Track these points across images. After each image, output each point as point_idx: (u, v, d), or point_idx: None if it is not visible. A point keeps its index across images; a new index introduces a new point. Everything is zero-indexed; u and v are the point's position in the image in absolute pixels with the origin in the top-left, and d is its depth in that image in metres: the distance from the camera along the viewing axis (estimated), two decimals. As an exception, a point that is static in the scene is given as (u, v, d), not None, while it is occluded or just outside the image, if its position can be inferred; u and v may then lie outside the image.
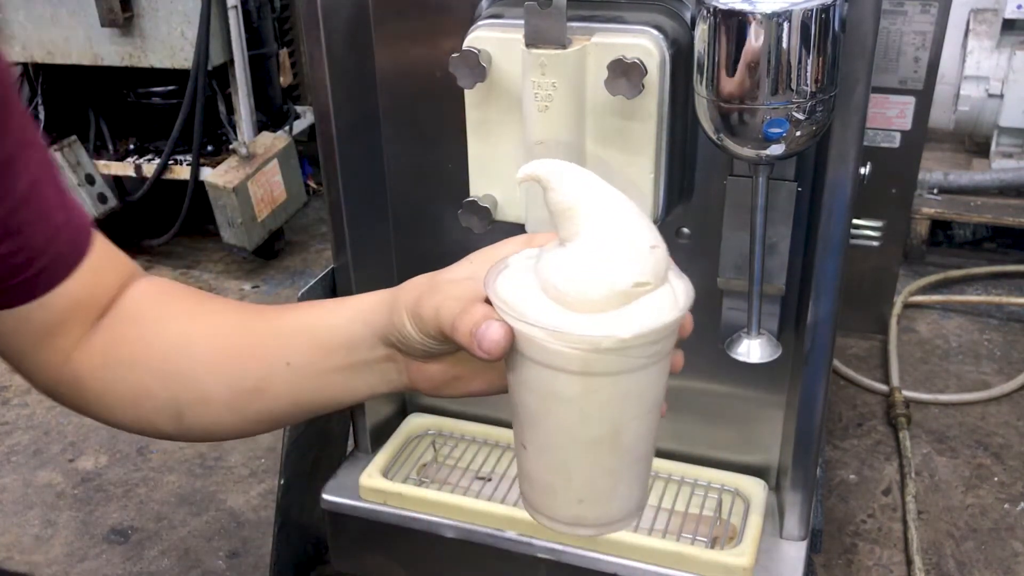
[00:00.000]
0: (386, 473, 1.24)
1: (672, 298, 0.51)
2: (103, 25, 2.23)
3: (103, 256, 0.66)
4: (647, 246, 0.51)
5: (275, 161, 2.47)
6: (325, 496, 1.26)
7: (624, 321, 0.49)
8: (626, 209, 0.52)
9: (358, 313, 0.63)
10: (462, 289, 0.56)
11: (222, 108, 2.41)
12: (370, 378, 0.64)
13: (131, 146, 2.56)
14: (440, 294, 0.57)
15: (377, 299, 0.62)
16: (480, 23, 0.95)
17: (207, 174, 2.38)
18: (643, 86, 0.87)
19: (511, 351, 0.53)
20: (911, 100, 1.74)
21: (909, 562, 1.49)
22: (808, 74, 0.82)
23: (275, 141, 2.49)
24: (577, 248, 0.51)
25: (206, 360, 0.65)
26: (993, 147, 2.42)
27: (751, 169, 0.91)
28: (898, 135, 1.78)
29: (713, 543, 1.13)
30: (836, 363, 1.95)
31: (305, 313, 0.67)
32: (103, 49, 2.30)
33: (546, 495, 0.56)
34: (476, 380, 0.62)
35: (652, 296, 0.50)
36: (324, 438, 1.37)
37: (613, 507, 0.56)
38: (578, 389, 0.51)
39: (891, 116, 1.76)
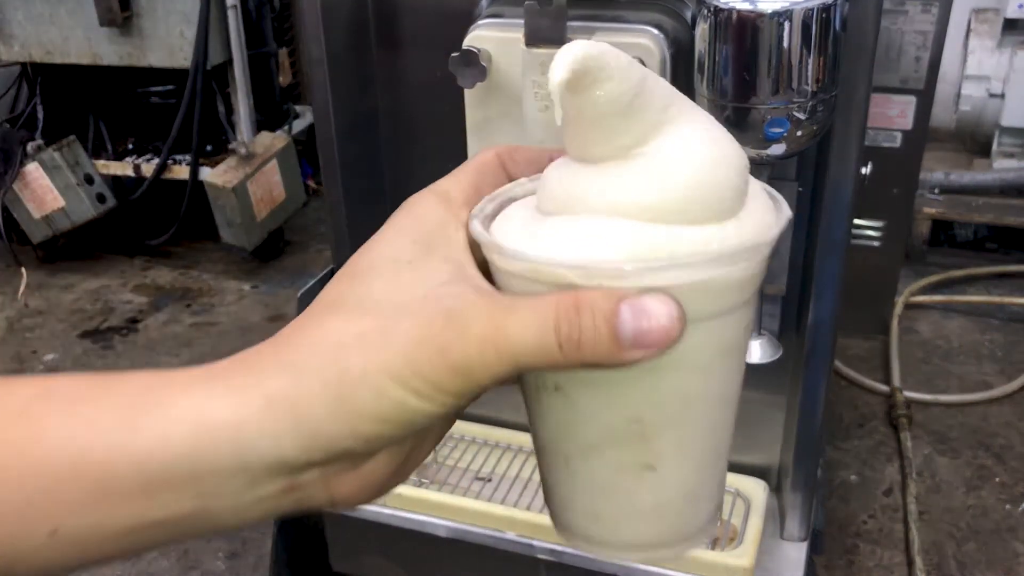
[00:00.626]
0: (385, 474, 1.23)
1: (767, 201, 0.38)
2: (102, 24, 2.23)
3: None
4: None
5: (274, 161, 2.47)
6: (324, 497, 1.25)
7: (761, 208, 0.36)
8: (693, 105, 0.37)
9: (207, 438, 0.31)
10: (478, 285, 0.33)
11: (221, 108, 2.41)
12: (243, 517, 0.33)
13: (130, 146, 2.56)
14: (468, 312, 0.32)
15: (252, 402, 0.31)
16: (480, 22, 0.94)
17: (206, 174, 2.38)
18: (643, 85, 0.86)
19: None
20: (912, 100, 1.73)
21: (910, 563, 1.48)
22: (809, 74, 0.81)
23: (274, 141, 2.49)
24: (677, 140, 0.34)
25: None
26: (994, 147, 2.42)
27: (752, 169, 0.91)
28: (899, 135, 1.78)
29: (714, 544, 1.13)
30: (837, 363, 1.95)
31: (75, 428, 0.31)
32: (102, 48, 2.30)
33: (688, 510, 0.38)
34: (429, 441, 0.37)
35: (753, 201, 0.36)
36: (323, 439, 1.36)
37: (723, 492, 0.41)
38: (746, 321, 0.36)
39: (892, 116, 1.76)
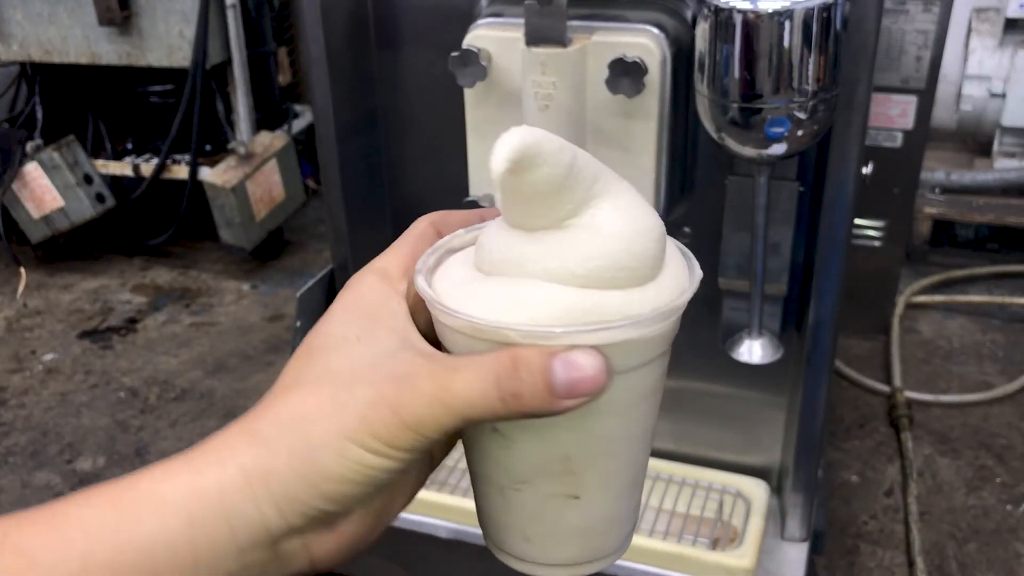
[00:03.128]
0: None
1: (674, 246, 0.42)
2: (101, 24, 2.23)
3: None
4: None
5: (274, 160, 2.46)
6: (324, 498, 1.25)
7: (677, 273, 0.40)
8: (617, 177, 0.41)
9: (198, 509, 0.33)
10: (423, 350, 0.37)
11: (220, 107, 2.40)
12: None
13: (129, 145, 2.56)
14: (416, 374, 0.35)
15: (231, 475, 0.34)
16: (480, 22, 0.94)
17: (205, 173, 2.38)
18: (644, 85, 0.86)
19: None
20: (913, 99, 1.73)
21: (911, 563, 1.48)
22: (810, 73, 0.81)
23: (274, 140, 2.49)
24: (601, 215, 0.38)
25: None
26: (995, 147, 2.41)
27: (752, 169, 0.90)
28: (900, 134, 1.77)
29: (714, 544, 1.13)
30: (838, 364, 1.94)
31: (72, 540, 0.33)
32: (101, 48, 2.30)
33: (610, 533, 0.44)
34: (402, 495, 0.41)
35: (670, 266, 0.41)
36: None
37: (637, 515, 0.46)
38: (660, 370, 0.40)
39: (893, 115, 1.75)
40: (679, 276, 0.40)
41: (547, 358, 0.34)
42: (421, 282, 0.38)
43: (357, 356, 0.36)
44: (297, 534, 0.35)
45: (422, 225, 0.43)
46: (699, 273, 0.40)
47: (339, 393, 0.35)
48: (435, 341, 0.39)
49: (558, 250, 0.37)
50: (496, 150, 0.36)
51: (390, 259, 0.41)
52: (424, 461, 0.42)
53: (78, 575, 0.32)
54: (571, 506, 0.41)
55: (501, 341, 0.35)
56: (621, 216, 0.38)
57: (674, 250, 0.42)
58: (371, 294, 0.39)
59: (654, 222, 0.39)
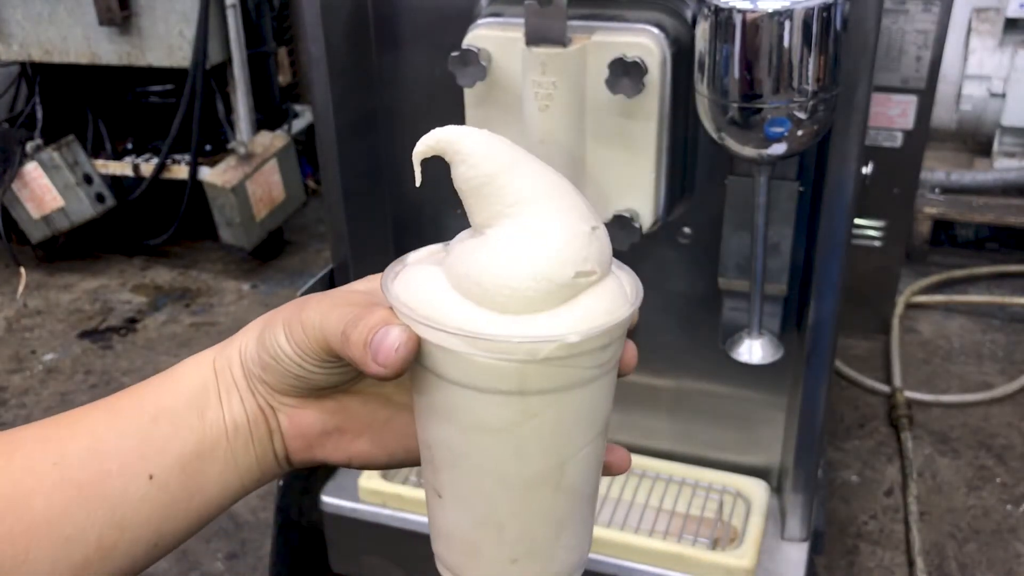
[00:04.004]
0: (385, 475, 1.23)
1: (620, 289, 0.41)
2: (101, 24, 2.23)
3: None
4: (587, 227, 0.40)
5: (274, 160, 2.46)
6: (324, 498, 1.25)
7: (568, 320, 0.39)
8: (557, 183, 0.42)
9: (216, 361, 0.48)
10: (358, 297, 0.45)
11: (220, 107, 2.40)
12: (246, 459, 0.47)
13: (129, 145, 2.56)
14: (328, 300, 0.44)
15: (232, 349, 0.48)
16: (480, 22, 0.94)
17: (205, 173, 2.38)
18: (644, 85, 0.86)
19: (420, 371, 0.42)
20: (913, 99, 1.73)
21: (911, 563, 1.48)
22: (810, 73, 0.81)
23: (274, 140, 2.48)
24: (501, 233, 0.40)
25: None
26: (995, 147, 2.41)
27: (752, 169, 0.90)
28: (900, 134, 1.77)
29: (714, 544, 1.13)
30: (838, 364, 1.94)
31: (143, 390, 0.48)
32: (101, 48, 2.30)
33: (468, 556, 0.44)
34: (361, 438, 0.47)
35: (597, 288, 0.40)
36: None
37: (555, 563, 0.44)
38: (512, 414, 0.40)
39: (893, 115, 1.75)
40: (576, 321, 0.39)
41: (380, 322, 0.41)
42: (388, 276, 0.44)
43: (355, 284, 0.48)
44: (272, 398, 0.46)
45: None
46: (574, 339, 0.39)
47: (300, 303, 0.46)
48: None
49: (464, 248, 0.42)
50: (424, 136, 0.42)
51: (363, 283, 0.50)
52: (378, 423, 0.48)
53: (154, 419, 0.46)
54: (437, 503, 0.45)
55: (387, 306, 0.42)
56: (509, 245, 0.40)
57: (612, 289, 0.41)
58: (349, 288, 0.49)
59: (548, 260, 0.39)
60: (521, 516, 0.43)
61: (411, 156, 0.44)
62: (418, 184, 0.43)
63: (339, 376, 0.45)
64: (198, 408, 0.46)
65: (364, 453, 0.48)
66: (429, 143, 0.41)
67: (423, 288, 0.41)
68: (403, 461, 0.48)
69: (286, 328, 0.44)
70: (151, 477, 0.44)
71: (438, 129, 0.41)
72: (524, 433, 0.41)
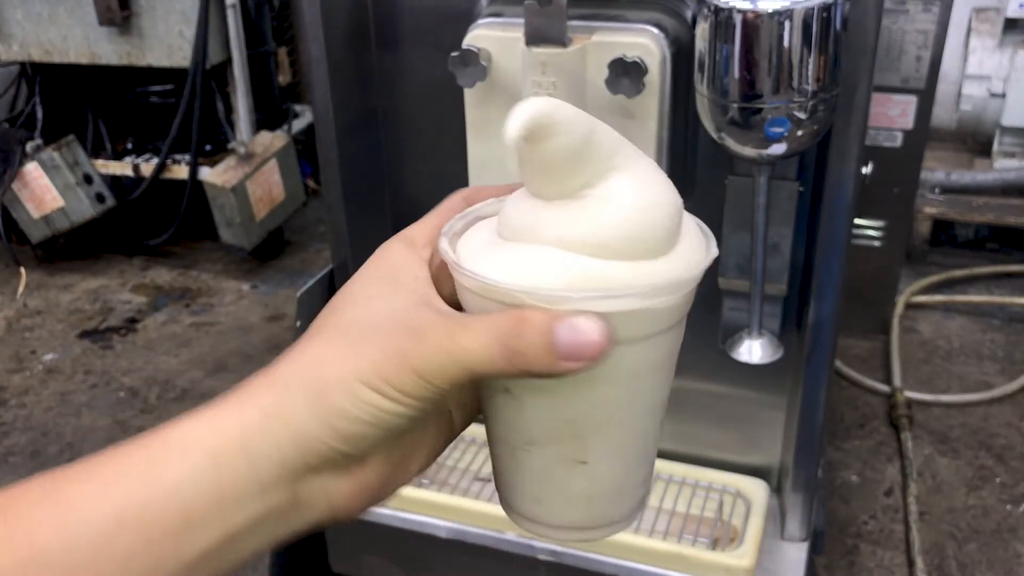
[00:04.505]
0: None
1: (689, 218, 0.43)
2: (101, 24, 2.23)
3: None
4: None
5: (274, 160, 2.47)
6: (324, 497, 1.25)
7: (693, 246, 0.40)
8: (637, 151, 0.42)
9: (221, 447, 0.35)
10: (439, 307, 0.38)
11: (220, 107, 2.40)
12: (259, 538, 0.37)
13: (129, 145, 2.56)
14: (402, 330, 0.37)
15: (251, 415, 0.36)
16: (480, 22, 0.94)
17: (205, 173, 2.38)
18: (644, 85, 0.86)
19: None
20: (913, 99, 1.73)
21: (911, 563, 1.48)
22: (810, 73, 0.81)
23: (274, 140, 2.49)
24: (619, 186, 0.39)
25: None
26: (995, 147, 2.41)
27: (752, 169, 0.90)
28: (900, 134, 1.77)
29: (714, 544, 1.13)
30: (838, 363, 1.94)
31: (105, 490, 0.34)
32: (101, 48, 2.30)
33: (615, 500, 0.45)
34: (419, 451, 0.42)
35: (685, 240, 0.41)
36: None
37: (652, 473, 0.48)
38: (675, 343, 0.41)
39: (893, 115, 1.75)
40: (694, 251, 0.40)
41: (551, 320, 0.35)
42: (444, 244, 0.40)
43: (375, 310, 0.38)
44: (315, 475, 0.37)
45: (456, 198, 0.44)
46: (715, 251, 0.40)
47: (355, 340, 0.37)
48: (458, 308, 0.40)
49: (572, 218, 0.38)
50: (511, 118, 0.37)
51: (418, 229, 0.43)
52: (442, 424, 0.43)
53: (114, 519, 0.33)
54: (578, 471, 0.42)
55: (512, 303, 0.37)
56: (636, 188, 0.39)
57: (692, 226, 0.42)
58: (395, 259, 0.41)
59: (669, 196, 0.40)
60: (654, 440, 0.45)
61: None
62: (519, 172, 0.39)
63: (429, 409, 0.38)
64: (216, 512, 0.35)
65: (421, 466, 0.42)
66: (526, 124, 0.37)
67: (562, 264, 0.38)
68: (459, 432, 0.44)
69: (376, 385, 0.35)
70: None
71: (526, 108, 0.37)
72: (673, 358, 0.42)
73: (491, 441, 0.44)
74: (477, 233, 0.42)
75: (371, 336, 0.37)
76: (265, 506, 0.36)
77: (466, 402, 0.43)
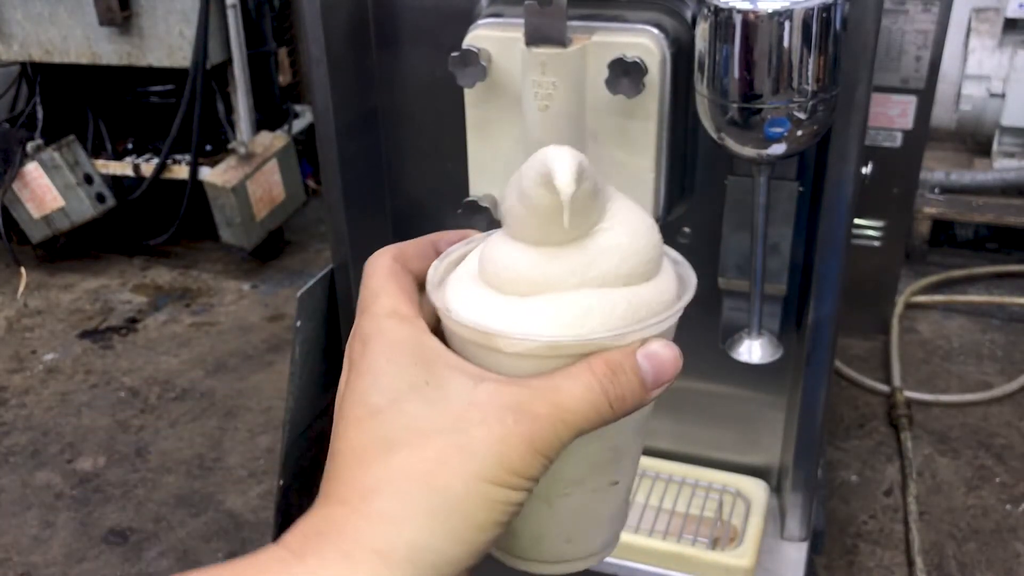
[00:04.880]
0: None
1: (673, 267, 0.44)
2: (101, 24, 2.23)
3: None
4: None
5: (274, 160, 2.47)
6: (324, 497, 1.25)
7: (673, 275, 0.42)
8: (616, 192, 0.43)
9: None
10: (499, 378, 0.36)
11: (221, 107, 2.40)
12: None
13: (129, 145, 2.56)
14: (527, 402, 0.34)
15: (365, 563, 0.31)
16: (480, 22, 0.94)
17: (206, 173, 2.38)
18: (644, 85, 0.86)
19: None
20: (913, 99, 1.73)
21: (911, 563, 1.48)
22: (809, 73, 0.81)
23: (274, 140, 2.49)
24: (619, 224, 0.40)
25: None
26: (995, 147, 2.42)
27: (752, 169, 0.90)
28: (900, 134, 1.77)
29: (714, 544, 1.13)
30: (837, 363, 1.95)
31: None
32: (101, 48, 2.30)
33: (624, 512, 0.46)
34: None
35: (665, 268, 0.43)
36: (323, 438, 1.36)
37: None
38: None
39: (893, 115, 1.75)
40: (667, 267, 0.43)
41: (633, 356, 0.36)
42: (470, 317, 0.38)
43: (440, 401, 0.34)
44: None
45: (386, 262, 0.40)
46: (692, 277, 0.42)
47: (457, 439, 0.33)
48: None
49: (595, 258, 0.39)
50: (558, 172, 0.36)
51: (387, 300, 0.38)
52: None
53: None
54: (611, 492, 0.43)
55: (585, 352, 0.37)
56: (634, 214, 0.41)
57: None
58: (402, 339, 0.36)
59: (651, 218, 0.42)
60: (636, 467, 0.46)
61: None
62: (526, 222, 0.39)
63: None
64: None
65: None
66: (577, 174, 0.37)
67: (608, 306, 0.38)
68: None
69: (505, 480, 0.33)
70: None
71: (562, 158, 0.37)
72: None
73: None
74: (469, 296, 0.40)
75: (473, 430, 0.33)
76: None
77: None
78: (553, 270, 0.38)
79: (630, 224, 0.40)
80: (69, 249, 2.61)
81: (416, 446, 0.33)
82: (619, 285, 0.39)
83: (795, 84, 0.81)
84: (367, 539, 0.31)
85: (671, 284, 0.41)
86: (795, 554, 1.13)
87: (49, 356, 2.18)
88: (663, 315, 0.39)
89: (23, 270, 2.49)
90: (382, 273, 0.39)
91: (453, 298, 0.40)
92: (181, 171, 2.42)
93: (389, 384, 0.35)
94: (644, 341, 0.37)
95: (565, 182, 0.36)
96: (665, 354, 0.37)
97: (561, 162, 0.37)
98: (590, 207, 0.39)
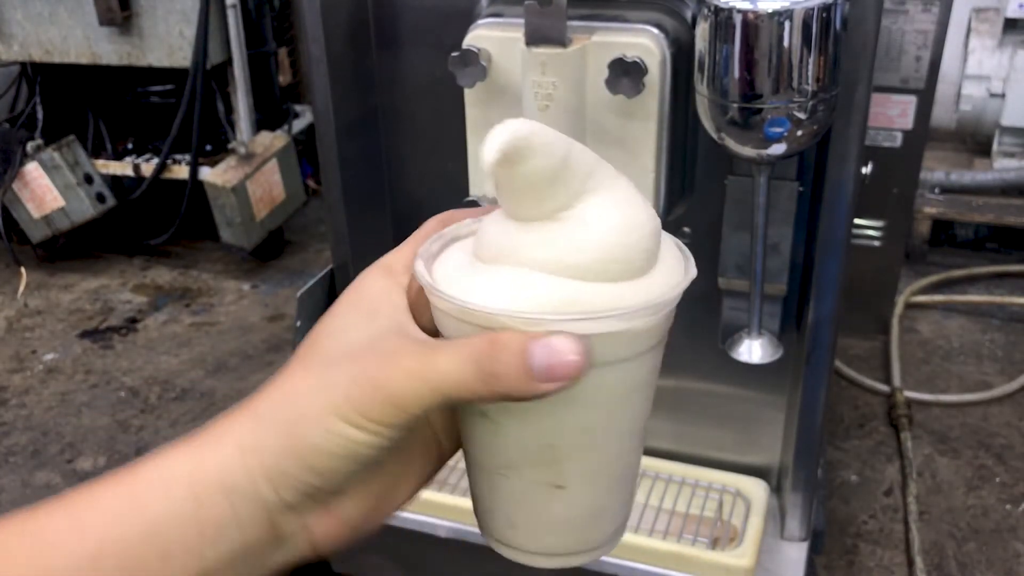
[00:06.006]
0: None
1: (669, 240, 0.42)
2: (101, 24, 2.23)
3: None
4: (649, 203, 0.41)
5: (274, 160, 2.47)
6: (324, 497, 1.25)
7: (670, 267, 0.40)
8: (615, 172, 0.41)
9: (201, 486, 0.35)
10: (413, 334, 0.38)
11: (221, 107, 2.40)
12: (237, 574, 0.37)
13: (129, 145, 2.56)
14: (376, 354, 0.36)
15: (229, 451, 0.36)
16: (480, 22, 0.94)
17: (206, 173, 2.38)
18: (644, 85, 0.86)
19: None
20: (913, 99, 1.73)
21: (911, 563, 1.48)
22: (809, 73, 0.81)
23: (274, 140, 2.49)
24: (594, 208, 0.39)
25: None
26: (995, 147, 2.42)
27: (752, 169, 0.90)
28: (900, 134, 1.77)
29: (714, 544, 1.13)
30: (837, 363, 1.95)
31: (84, 522, 0.35)
32: (101, 48, 2.30)
33: (590, 527, 0.43)
34: (405, 480, 0.42)
35: (664, 237, 0.41)
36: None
37: (633, 496, 0.46)
38: (654, 364, 0.40)
39: (893, 115, 1.75)
40: (673, 272, 0.40)
41: (526, 341, 0.35)
42: (419, 267, 0.39)
43: (351, 340, 0.38)
44: (293, 512, 0.36)
45: (432, 223, 0.43)
46: (694, 271, 0.40)
47: (327, 371, 0.36)
48: (436, 335, 0.40)
49: (550, 240, 0.38)
50: (488, 141, 0.37)
51: (396, 256, 0.42)
52: (428, 451, 0.43)
53: (94, 557, 0.34)
54: (556, 496, 0.41)
55: (490, 326, 0.36)
56: (613, 210, 0.39)
57: (671, 246, 0.42)
58: (373, 288, 0.40)
59: (647, 217, 0.40)
60: (635, 463, 0.44)
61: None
62: (496, 194, 0.39)
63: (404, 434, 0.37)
64: (162, 552, 0.35)
65: (406, 495, 0.42)
66: (503, 149, 0.37)
67: (539, 287, 0.37)
68: (448, 458, 0.44)
69: (348, 416, 0.35)
70: None
71: (501, 131, 0.37)
72: (653, 379, 0.41)
73: (468, 465, 0.44)
74: (453, 255, 0.41)
75: (343, 365, 0.36)
76: (243, 542, 0.35)
77: (453, 428, 0.42)
78: (507, 242, 0.39)
79: (601, 217, 0.38)
80: (69, 249, 2.61)
81: (303, 372, 0.37)
82: (569, 275, 0.37)
83: (795, 84, 0.81)
84: (235, 433, 0.36)
85: (644, 296, 0.38)
86: (795, 554, 1.13)
87: (49, 356, 2.18)
88: (579, 315, 0.36)
89: (23, 270, 2.49)
90: (419, 231, 0.43)
91: (443, 257, 0.41)
92: (181, 171, 2.42)
93: (330, 322, 0.39)
94: (552, 332, 0.35)
95: (485, 153, 0.37)
96: (563, 348, 0.34)
97: (493, 134, 0.37)
98: (541, 185, 0.38)
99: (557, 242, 0.38)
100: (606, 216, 0.38)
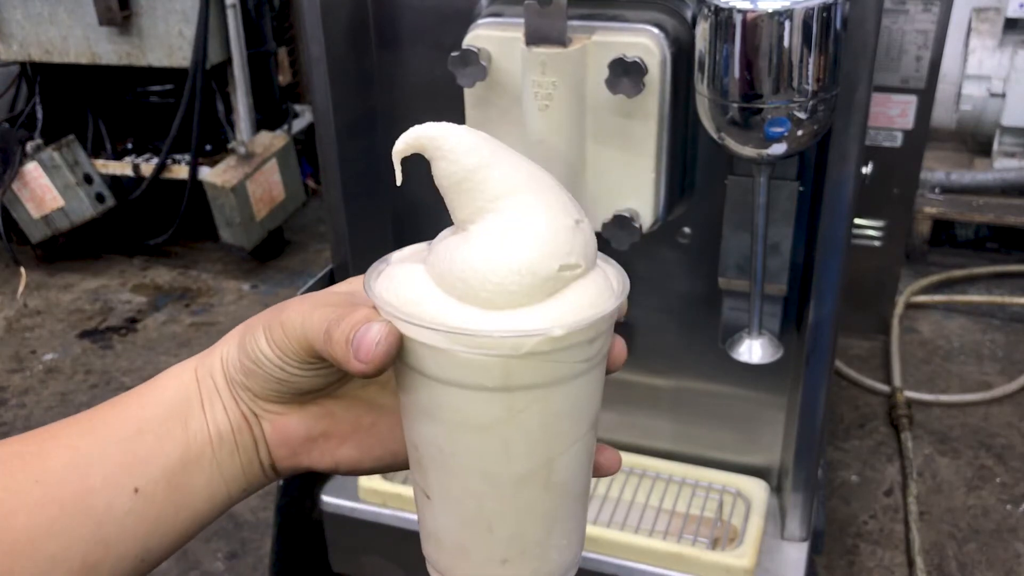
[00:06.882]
0: (385, 475, 1.23)
1: (606, 282, 0.41)
2: (101, 24, 2.23)
3: None
4: (571, 220, 0.40)
5: (274, 160, 2.46)
6: (324, 498, 1.25)
7: (553, 314, 0.38)
8: (539, 177, 0.41)
9: (198, 370, 0.47)
10: (338, 298, 0.45)
11: (220, 107, 2.40)
12: (232, 469, 0.46)
13: (129, 145, 2.56)
14: (309, 301, 0.44)
15: (215, 351, 0.47)
16: (480, 22, 0.94)
17: (205, 173, 2.38)
18: (644, 85, 0.86)
19: (404, 370, 0.41)
20: (913, 99, 1.73)
21: (911, 563, 1.48)
22: (810, 73, 0.81)
23: (274, 140, 2.49)
24: (484, 227, 0.40)
25: None
26: (995, 146, 2.41)
27: (752, 169, 0.90)
28: (900, 134, 1.77)
29: (714, 544, 1.13)
30: (838, 364, 1.95)
31: (124, 402, 0.46)
32: (101, 48, 2.30)
33: (458, 557, 0.44)
34: (347, 443, 0.47)
35: (582, 282, 0.40)
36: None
37: (547, 563, 0.44)
38: (498, 410, 0.39)
39: (893, 115, 1.75)
40: (563, 316, 0.39)
41: (359, 322, 0.40)
42: (372, 268, 0.44)
43: (337, 286, 0.48)
44: (255, 401, 0.45)
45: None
46: (558, 332, 0.38)
47: (278, 308, 0.45)
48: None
49: (448, 247, 0.41)
50: (402, 135, 0.41)
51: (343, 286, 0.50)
52: (364, 428, 0.47)
53: (139, 432, 0.44)
54: (426, 503, 0.45)
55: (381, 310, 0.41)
56: (498, 240, 0.39)
57: (599, 282, 0.41)
58: (336, 289, 0.49)
59: (538, 252, 0.39)
60: (510, 515, 0.42)
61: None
62: (399, 183, 0.43)
63: (322, 379, 0.45)
64: (181, 418, 0.45)
65: (350, 458, 0.47)
66: (408, 141, 0.41)
67: (405, 286, 0.41)
68: (390, 465, 0.48)
69: (266, 332, 0.43)
70: (136, 491, 0.42)
71: (417, 126, 0.41)
72: (511, 430, 0.40)
73: None
74: (422, 252, 0.45)
75: (301, 297, 0.45)
76: (233, 411, 0.45)
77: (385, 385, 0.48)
78: (438, 239, 0.43)
79: (485, 243, 0.39)
80: (69, 249, 2.61)
81: (257, 317, 0.46)
82: (443, 284, 0.40)
83: (795, 84, 0.81)
84: (220, 345, 0.47)
85: (511, 325, 0.38)
86: (795, 554, 1.13)
87: (49, 356, 2.18)
88: (408, 316, 0.39)
89: (23, 270, 2.49)
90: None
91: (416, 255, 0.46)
92: (181, 171, 2.42)
93: (302, 297, 0.46)
94: (380, 319, 0.40)
95: (396, 143, 0.42)
96: (369, 336, 0.39)
97: (407, 131, 0.42)
98: (448, 190, 0.41)
99: (449, 251, 0.40)
100: (491, 244, 0.39)
